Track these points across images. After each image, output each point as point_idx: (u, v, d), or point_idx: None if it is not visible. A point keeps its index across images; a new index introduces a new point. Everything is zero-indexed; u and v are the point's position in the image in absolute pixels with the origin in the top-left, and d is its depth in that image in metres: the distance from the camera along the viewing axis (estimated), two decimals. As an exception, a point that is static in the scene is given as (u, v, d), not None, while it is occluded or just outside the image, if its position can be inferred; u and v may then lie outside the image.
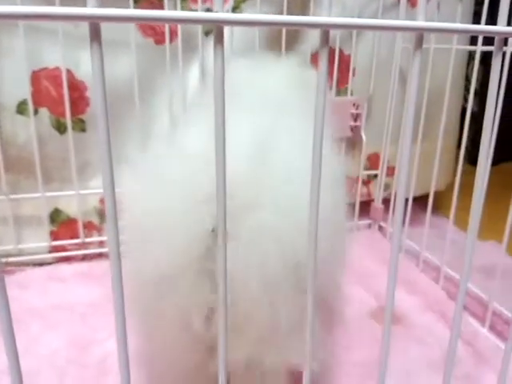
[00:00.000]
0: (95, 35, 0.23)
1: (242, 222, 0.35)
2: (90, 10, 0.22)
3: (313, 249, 0.28)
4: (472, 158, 1.66)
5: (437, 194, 0.95)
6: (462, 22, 0.74)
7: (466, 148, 0.72)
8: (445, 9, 0.70)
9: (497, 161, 1.42)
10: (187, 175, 0.38)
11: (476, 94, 1.80)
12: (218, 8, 0.24)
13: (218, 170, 0.26)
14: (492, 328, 0.63)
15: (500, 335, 0.62)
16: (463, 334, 0.61)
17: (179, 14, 0.23)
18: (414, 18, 0.28)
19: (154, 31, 0.75)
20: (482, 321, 0.64)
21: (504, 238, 0.61)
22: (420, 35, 0.27)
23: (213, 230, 0.34)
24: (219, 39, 0.24)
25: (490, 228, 0.75)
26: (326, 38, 0.26)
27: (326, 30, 0.26)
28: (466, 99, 0.70)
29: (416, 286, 0.73)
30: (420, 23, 0.27)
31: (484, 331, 0.62)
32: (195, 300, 0.36)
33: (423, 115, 0.74)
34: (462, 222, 0.82)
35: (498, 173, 1.24)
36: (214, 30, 0.24)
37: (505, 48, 0.57)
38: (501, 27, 0.30)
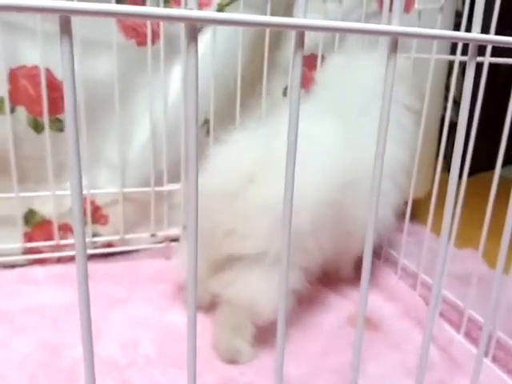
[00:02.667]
0: (65, 29, 0.23)
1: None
2: (61, 2, 0.21)
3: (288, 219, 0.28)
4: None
5: (416, 202, 0.95)
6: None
7: (446, 157, 0.72)
8: (425, 19, 0.70)
9: (475, 171, 1.45)
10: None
11: (456, 103, 1.83)
12: (191, 6, 0.24)
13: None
14: (467, 335, 0.63)
15: (475, 342, 0.62)
16: (438, 341, 0.62)
17: (151, 10, 0.23)
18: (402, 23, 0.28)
19: (136, 32, 0.74)
20: (457, 327, 0.64)
21: (480, 245, 0.61)
22: (394, 39, 0.28)
23: None
24: (192, 37, 0.24)
25: (468, 236, 0.76)
26: (301, 40, 0.26)
27: (301, 31, 0.26)
28: (446, 109, 0.71)
29: (394, 292, 0.73)
30: (394, 27, 0.27)
31: (459, 338, 0.63)
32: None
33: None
34: (439, 230, 0.83)
35: (476, 182, 1.26)
36: (187, 29, 0.24)
37: (483, 58, 0.58)
38: (475, 34, 0.30)
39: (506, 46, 0.32)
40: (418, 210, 0.99)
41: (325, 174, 0.57)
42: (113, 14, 0.23)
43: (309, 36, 0.82)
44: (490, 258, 0.78)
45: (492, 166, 0.59)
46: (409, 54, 0.72)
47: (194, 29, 0.24)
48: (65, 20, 0.22)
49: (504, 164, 0.59)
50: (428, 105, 0.70)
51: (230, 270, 0.57)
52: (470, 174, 0.65)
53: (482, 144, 1.00)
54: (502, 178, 0.58)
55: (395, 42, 0.27)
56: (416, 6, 0.70)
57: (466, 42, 0.30)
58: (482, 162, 1.16)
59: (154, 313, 0.64)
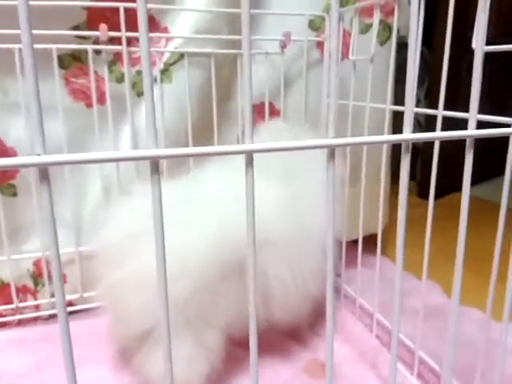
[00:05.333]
0: (44, 178, 0.25)
1: None
2: (38, 158, 0.24)
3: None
4: (421, 191, 1.69)
5: (376, 236, 0.97)
6: (379, 77, 0.79)
7: (416, 180, 0.72)
8: (361, 67, 0.73)
9: (444, 192, 1.46)
10: None
11: (421, 127, 1.86)
12: (150, 145, 0.26)
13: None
14: (420, 376, 0.64)
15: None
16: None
17: (119, 153, 0.26)
18: (339, 71, 0.31)
19: (84, 95, 0.76)
20: (411, 368, 0.65)
21: (423, 271, 0.62)
22: (332, 150, 0.30)
23: None
24: (155, 171, 0.27)
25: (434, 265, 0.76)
26: (250, 161, 0.29)
27: (249, 154, 0.29)
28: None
29: (350, 335, 0.74)
30: (331, 140, 0.30)
31: (413, 380, 0.63)
32: None
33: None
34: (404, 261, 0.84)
35: (444, 205, 1.27)
36: (151, 165, 0.27)
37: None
38: (407, 135, 0.33)
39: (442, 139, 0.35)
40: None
41: (214, 231, 0.54)
42: (87, 161, 0.26)
43: (256, 85, 0.84)
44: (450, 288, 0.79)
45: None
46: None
47: (156, 165, 0.26)
48: (43, 170, 0.24)
49: (475, 182, 0.59)
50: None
51: (140, 349, 0.55)
52: (442, 194, 0.63)
53: (455, 163, 1.01)
54: (472, 198, 0.59)
55: (333, 153, 0.30)
56: (350, 57, 0.73)
57: (397, 142, 0.33)
58: (454, 182, 1.17)
59: (110, 374, 0.65)
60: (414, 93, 0.34)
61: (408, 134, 0.33)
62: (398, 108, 0.65)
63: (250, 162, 0.29)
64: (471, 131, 0.35)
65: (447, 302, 0.85)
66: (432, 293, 0.89)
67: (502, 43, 0.46)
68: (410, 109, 0.33)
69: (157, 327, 0.52)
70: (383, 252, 1.03)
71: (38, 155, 0.23)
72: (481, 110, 0.37)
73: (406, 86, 0.33)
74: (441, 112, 0.56)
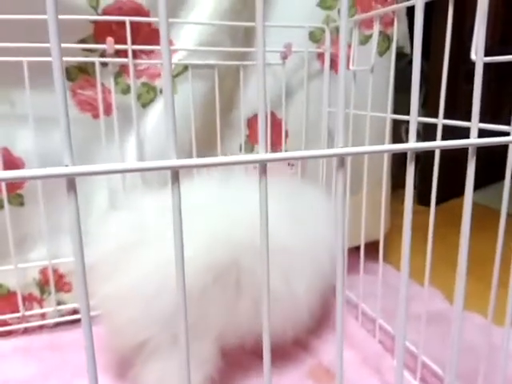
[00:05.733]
0: (71, 188, 0.26)
1: None
2: (66, 169, 0.25)
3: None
4: (420, 197, 1.71)
5: (377, 242, 0.98)
6: (378, 87, 0.80)
7: (415, 187, 0.72)
8: (361, 77, 0.75)
9: (443, 198, 1.47)
10: None
11: (419, 135, 1.88)
12: (172, 155, 0.27)
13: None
14: (423, 380, 0.65)
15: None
16: (394, 389, 0.63)
17: (139, 164, 0.27)
18: (337, 83, 0.33)
19: (91, 106, 0.78)
20: (414, 373, 0.66)
21: (425, 277, 0.63)
22: (341, 158, 0.31)
23: None
24: (175, 180, 0.27)
25: (434, 272, 0.77)
26: (263, 170, 0.30)
27: (263, 164, 0.30)
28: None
29: (354, 340, 0.75)
30: (340, 150, 0.31)
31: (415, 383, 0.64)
32: None
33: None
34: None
35: (444, 211, 1.27)
36: (171, 175, 0.27)
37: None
38: (412, 144, 0.34)
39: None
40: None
41: (205, 239, 0.52)
42: (112, 172, 0.27)
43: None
44: (452, 294, 0.79)
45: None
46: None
47: (176, 174, 0.27)
48: (71, 181, 0.25)
49: (474, 188, 0.60)
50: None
51: (135, 361, 0.56)
52: (441, 200, 0.63)
53: (454, 169, 1.02)
54: (472, 203, 0.58)
55: (342, 161, 0.31)
56: (350, 67, 0.75)
57: (402, 151, 0.34)
58: (453, 188, 1.17)
59: (115, 382, 0.65)
60: (417, 102, 0.35)
61: (413, 144, 0.34)
62: (399, 117, 0.67)
63: (263, 172, 0.30)
64: (473, 140, 0.36)
65: (449, 308, 0.86)
66: (433, 299, 0.90)
67: (497, 51, 0.48)
68: (414, 118, 0.34)
69: (150, 339, 0.53)
70: (384, 258, 1.04)
71: (66, 166, 0.25)
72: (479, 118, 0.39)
73: (411, 96, 0.34)
74: (441, 121, 0.58)
